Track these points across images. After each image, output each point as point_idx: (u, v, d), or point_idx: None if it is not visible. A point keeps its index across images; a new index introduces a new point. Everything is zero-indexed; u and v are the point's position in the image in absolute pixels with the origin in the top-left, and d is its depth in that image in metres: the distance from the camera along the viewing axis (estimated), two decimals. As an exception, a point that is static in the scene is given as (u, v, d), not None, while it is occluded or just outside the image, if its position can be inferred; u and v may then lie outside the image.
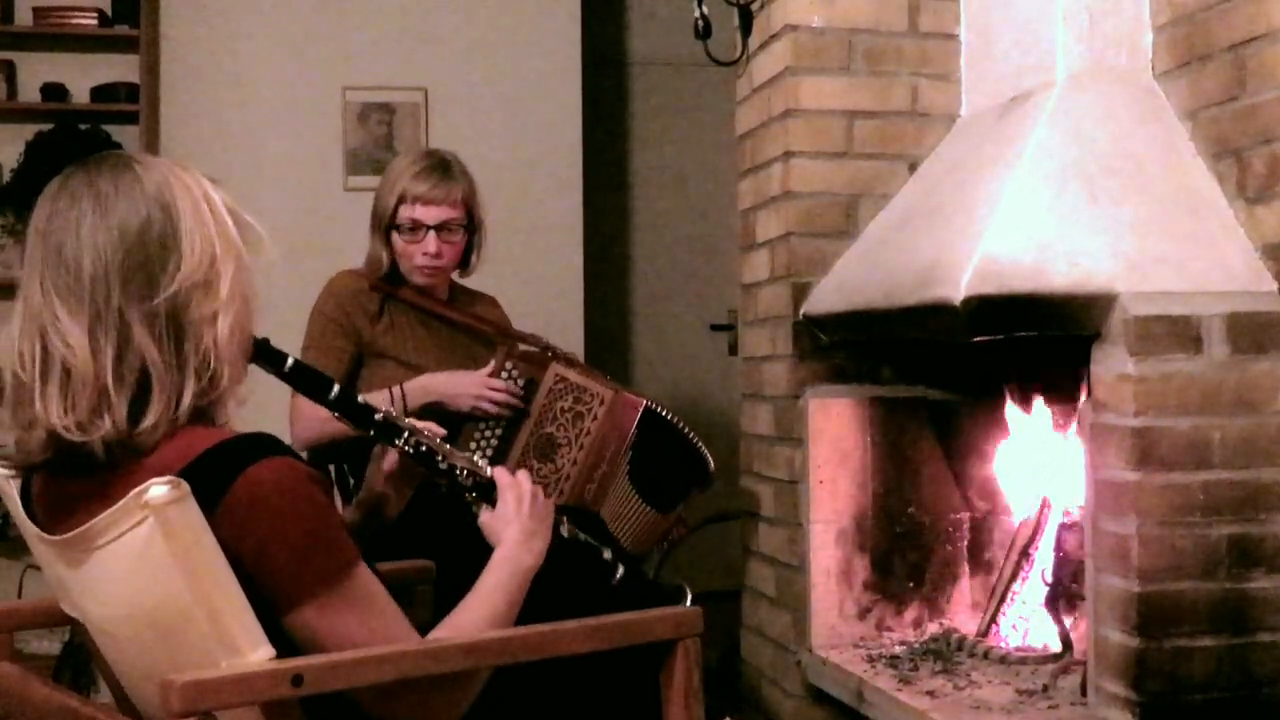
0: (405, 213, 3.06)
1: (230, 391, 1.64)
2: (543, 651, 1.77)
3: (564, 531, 2.05)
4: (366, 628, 1.62)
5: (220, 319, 1.59)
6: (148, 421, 1.55)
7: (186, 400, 1.57)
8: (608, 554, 2.14)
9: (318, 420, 2.97)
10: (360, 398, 1.97)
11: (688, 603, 2.37)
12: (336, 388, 1.93)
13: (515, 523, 1.92)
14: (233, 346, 1.61)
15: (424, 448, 1.97)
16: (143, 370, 1.56)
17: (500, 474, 1.97)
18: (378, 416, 1.95)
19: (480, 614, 1.81)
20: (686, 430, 3.09)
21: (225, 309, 1.60)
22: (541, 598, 1.92)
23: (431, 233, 3.05)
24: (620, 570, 2.15)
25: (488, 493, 1.96)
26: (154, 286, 1.56)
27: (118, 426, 1.54)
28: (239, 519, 1.53)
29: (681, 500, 3.14)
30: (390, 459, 2.03)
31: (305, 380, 1.93)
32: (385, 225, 3.09)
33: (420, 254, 3.05)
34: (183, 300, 1.57)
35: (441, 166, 3.12)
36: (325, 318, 3.06)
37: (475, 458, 2.04)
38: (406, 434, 1.96)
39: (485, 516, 1.95)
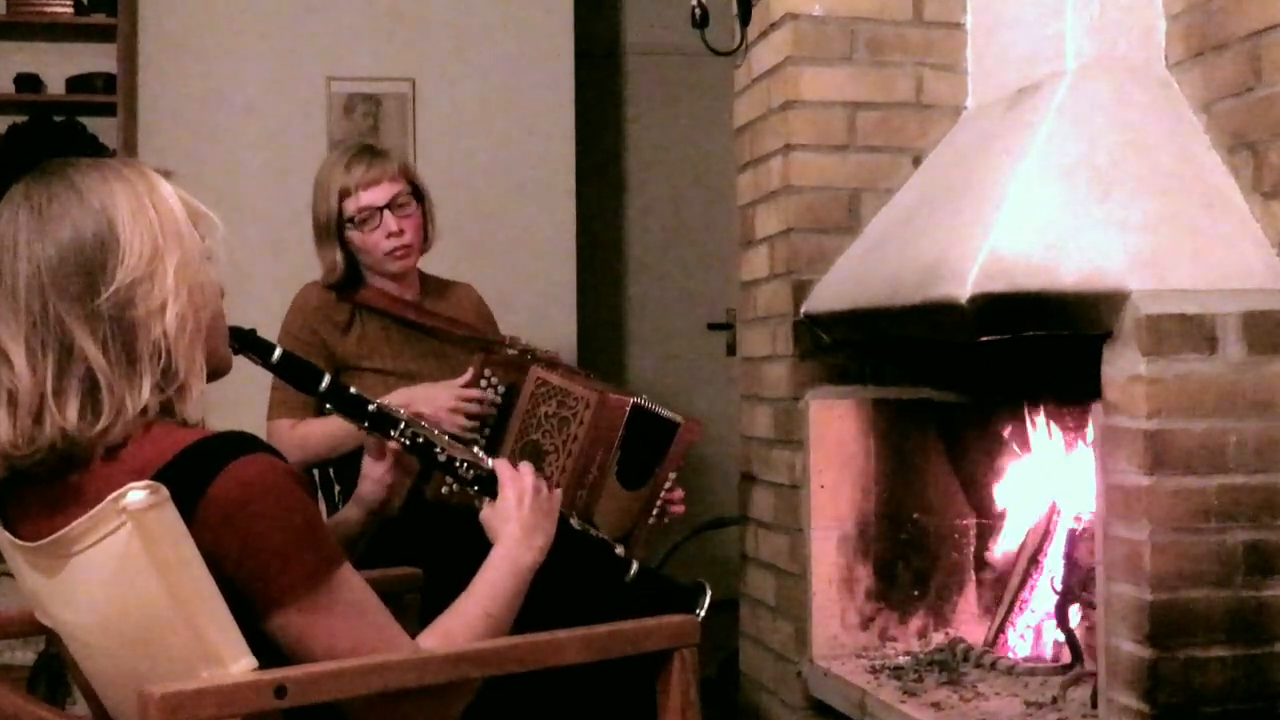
0: (351, 205, 3.06)
1: (192, 383, 1.64)
2: (535, 662, 1.77)
3: (575, 524, 2.05)
4: (352, 630, 1.63)
5: (169, 309, 1.60)
6: (101, 424, 1.56)
7: (145, 395, 1.58)
8: (620, 549, 2.14)
9: (295, 445, 2.97)
10: (352, 390, 1.97)
11: (707, 600, 2.32)
12: (327, 378, 1.93)
13: (515, 519, 1.92)
14: (185, 336, 1.62)
15: (421, 439, 1.97)
16: (89, 374, 1.56)
17: (501, 467, 1.98)
18: (371, 408, 1.96)
19: (473, 615, 1.81)
20: (671, 416, 3.05)
21: (173, 299, 1.61)
22: (550, 595, 1.93)
23: (385, 212, 3.06)
24: (634, 567, 2.15)
25: (489, 486, 1.96)
26: (94, 289, 1.57)
27: (67, 432, 1.54)
28: (219, 520, 1.53)
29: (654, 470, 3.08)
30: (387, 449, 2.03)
31: (294, 371, 1.94)
32: (335, 228, 3.08)
33: (384, 238, 3.06)
34: (125, 298, 1.58)
35: (367, 149, 3.14)
36: (292, 338, 3.03)
37: (476, 450, 2.03)
38: (402, 425, 1.97)
39: (486, 512, 1.95)
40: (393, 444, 2.00)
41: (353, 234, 3.08)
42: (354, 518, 2.07)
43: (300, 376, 1.96)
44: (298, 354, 2.93)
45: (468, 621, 1.80)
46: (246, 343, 1.85)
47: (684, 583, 2.34)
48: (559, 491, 2.01)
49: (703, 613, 2.30)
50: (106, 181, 1.62)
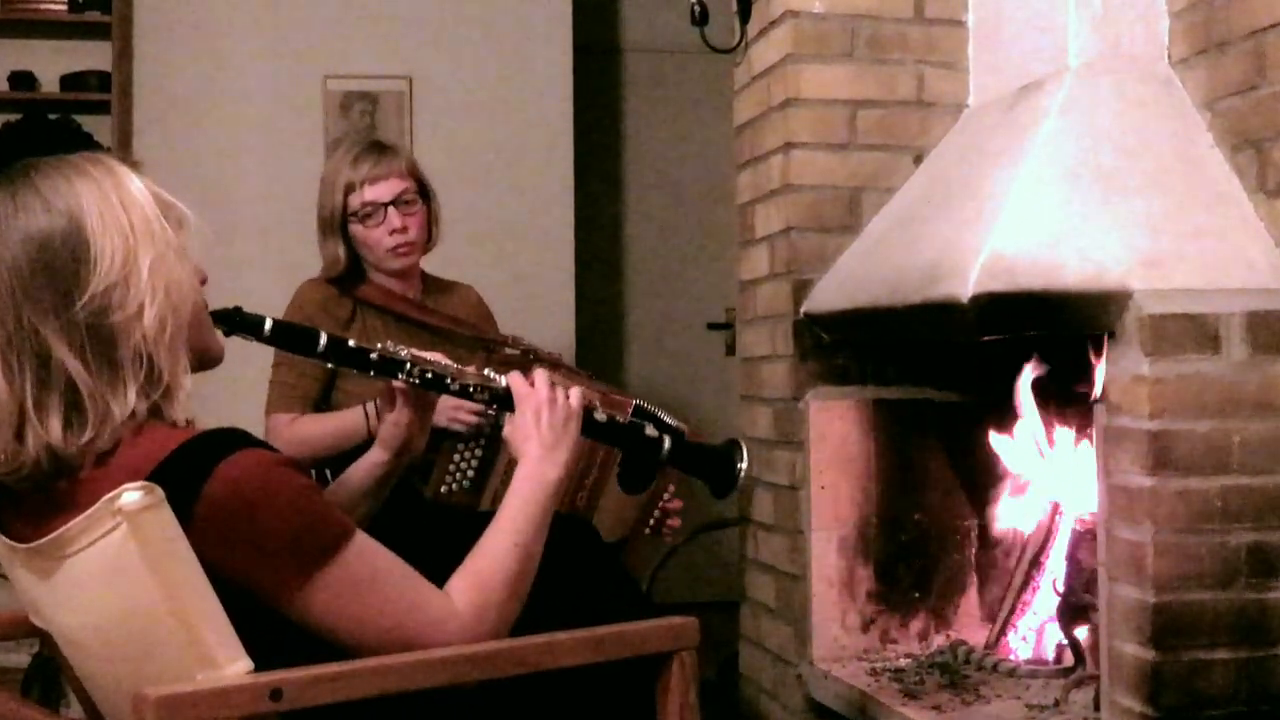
0: (356, 200, 3.08)
1: (178, 383, 1.63)
2: (534, 664, 1.77)
3: (600, 417, 2.05)
4: (376, 600, 1.63)
5: (147, 312, 1.58)
6: (87, 435, 1.55)
7: (131, 401, 1.57)
8: (651, 430, 2.14)
9: (294, 441, 2.97)
10: (351, 342, 1.98)
11: (744, 455, 2.35)
12: (324, 337, 1.93)
13: (534, 436, 1.93)
14: (166, 337, 1.61)
15: (430, 374, 1.99)
16: (70, 386, 1.55)
17: (515, 382, 1.99)
18: (374, 355, 1.96)
19: (503, 548, 1.81)
20: (677, 424, 3.05)
21: (150, 301, 1.59)
22: (550, 597, 1.92)
23: (391, 209, 3.08)
24: (667, 444, 2.15)
25: (507, 403, 1.98)
26: (69, 298, 1.55)
27: (51, 446, 1.53)
28: (218, 520, 1.53)
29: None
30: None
31: (290, 338, 1.94)
32: (339, 222, 3.10)
33: (387, 234, 3.07)
34: (101, 305, 1.56)
35: (376, 145, 3.17)
36: None
37: (487, 372, 2.05)
38: (409, 365, 1.98)
39: (507, 429, 1.97)
40: (401, 385, 2.01)
41: (356, 228, 3.09)
42: (379, 460, 2.09)
43: (297, 341, 1.95)
44: (300, 361, 2.95)
45: (498, 555, 1.80)
46: (234, 324, 1.84)
47: (717, 445, 2.37)
48: (577, 391, 2.01)
49: (744, 466, 2.34)
50: (71, 183, 1.59)
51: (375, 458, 2.10)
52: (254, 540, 1.55)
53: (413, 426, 2.08)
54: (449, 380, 2.00)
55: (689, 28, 3.58)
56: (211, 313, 1.77)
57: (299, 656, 1.60)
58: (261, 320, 1.88)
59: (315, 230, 3.16)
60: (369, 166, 3.08)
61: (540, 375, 1.99)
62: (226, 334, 1.82)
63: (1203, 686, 2.35)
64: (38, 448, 1.54)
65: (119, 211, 1.60)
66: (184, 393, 1.64)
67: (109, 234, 1.58)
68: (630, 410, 2.96)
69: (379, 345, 2.00)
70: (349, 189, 3.08)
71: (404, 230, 3.08)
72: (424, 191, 3.18)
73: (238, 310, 1.84)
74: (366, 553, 1.64)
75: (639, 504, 3.01)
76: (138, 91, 4.99)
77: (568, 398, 1.98)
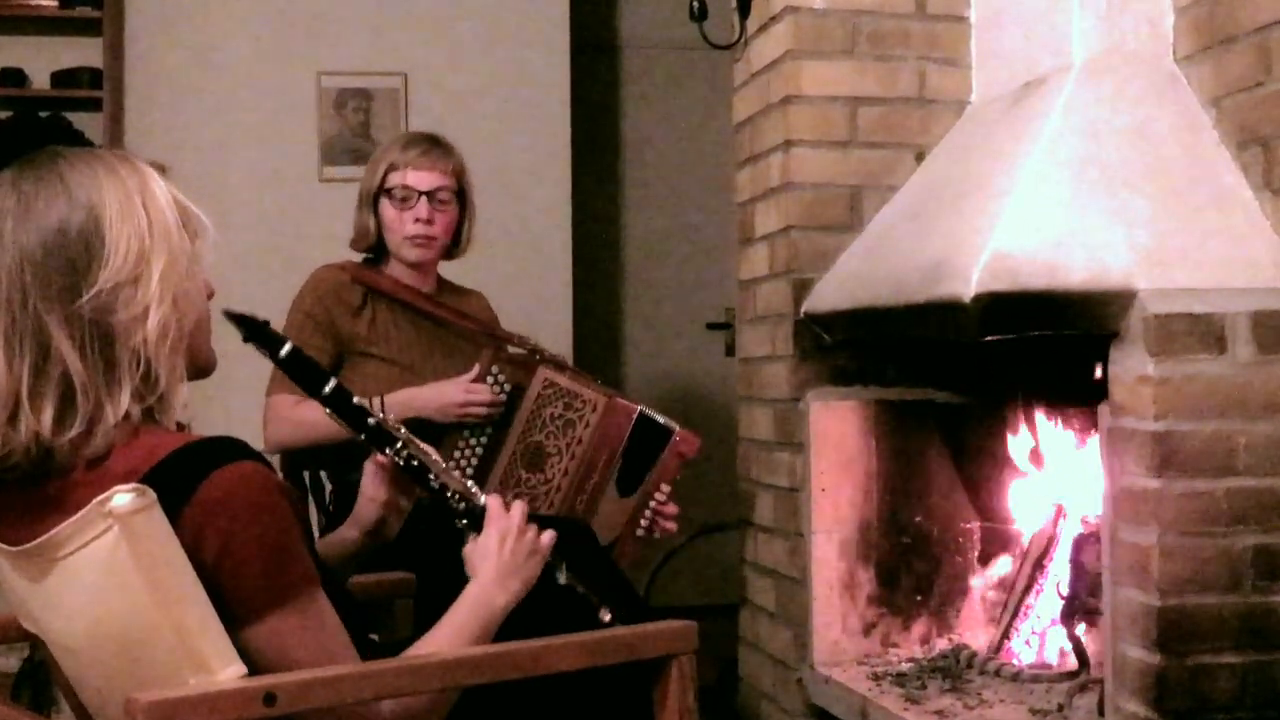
0: (395, 179, 3.14)
1: (173, 391, 1.63)
2: (530, 669, 1.77)
3: (561, 579, 2.00)
4: (314, 651, 1.61)
5: (151, 316, 1.58)
6: (75, 431, 1.54)
7: (124, 403, 1.57)
8: (606, 615, 2.07)
9: (294, 422, 2.98)
10: (355, 399, 1.95)
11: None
12: (332, 382, 1.91)
13: (492, 559, 1.89)
14: (167, 344, 1.60)
15: (416, 462, 1.95)
16: (65, 379, 1.55)
17: (492, 504, 1.94)
18: (371, 421, 1.93)
19: (440, 650, 1.79)
20: (666, 421, 3.06)
21: (155, 306, 1.58)
22: (546, 598, 1.91)
23: (423, 199, 3.12)
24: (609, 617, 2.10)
25: (477, 521, 1.94)
26: (76, 290, 1.55)
27: (41, 437, 1.53)
28: (202, 522, 1.52)
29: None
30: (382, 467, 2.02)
31: (300, 370, 1.91)
32: (374, 195, 3.16)
33: (412, 221, 3.10)
34: (107, 302, 1.56)
35: (431, 137, 3.25)
36: (303, 314, 3.07)
37: (470, 484, 2.00)
38: (399, 445, 1.94)
39: (468, 547, 1.93)
40: (385, 460, 1.99)
41: (385, 206, 3.15)
42: (350, 537, 2.06)
43: (305, 376, 1.93)
44: (307, 342, 2.98)
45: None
46: (256, 334, 1.82)
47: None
48: (550, 535, 1.95)
49: None
50: (96, 177, 1.60)
51: (345, 534, 2.07)
52: (227, 550, 1.54)
53: (388, 508, 2.05)
54: (432, 476, 1.95)
55: (688, 24, 3.58)
56: (237, 315, 1.77)
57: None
58: (281, 342, 1.86)
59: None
60: (416, 153, 3.16)
61: (518, 506, 1.95)
62: (244, 340, 1.80)
63: (1208, 691, 2.35)
64: (28, 437, 1.54)
65: (139, 212, 1.60)
66: (179, 400, 1.64)
67: (125, 232, 1.58)
68: (634, 418, 2.98)
69: (381, 415, 1.97)
70: (391, 167, 3.15)
71: (429, 223, 3.11)
72: (462, 196, 3.22)
73: (266, 324, 1.83)
74: (324, 609, 1.64)
75: (629, 505, 3.01)
76: (129, 88, 4.99)
77: (538, 535, 1.95)
